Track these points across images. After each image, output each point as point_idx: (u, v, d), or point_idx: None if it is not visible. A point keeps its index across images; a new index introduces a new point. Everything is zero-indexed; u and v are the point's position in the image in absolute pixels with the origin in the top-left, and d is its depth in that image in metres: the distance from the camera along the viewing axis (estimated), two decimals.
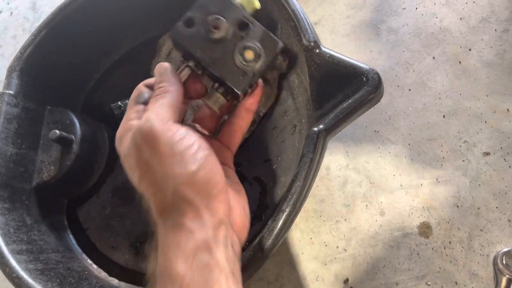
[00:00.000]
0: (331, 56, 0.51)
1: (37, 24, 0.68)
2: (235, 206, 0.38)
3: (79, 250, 0.66)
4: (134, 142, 0.33)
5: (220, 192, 0.34)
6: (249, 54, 0.41)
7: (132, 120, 0.36)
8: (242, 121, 0.44)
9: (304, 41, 0.52)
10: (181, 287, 0.29)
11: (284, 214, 0.46)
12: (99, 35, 0.72)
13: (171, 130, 0.33)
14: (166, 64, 0.39)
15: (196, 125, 0.43)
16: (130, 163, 0.34)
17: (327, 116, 0.49)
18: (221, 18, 0.41)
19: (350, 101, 0.48)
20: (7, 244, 0.56)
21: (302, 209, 0.58)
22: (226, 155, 0.43)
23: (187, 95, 0.40)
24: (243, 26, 0.42)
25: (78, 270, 0.61)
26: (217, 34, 0.41)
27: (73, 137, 0.65)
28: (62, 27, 0.68)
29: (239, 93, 0.40)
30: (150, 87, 0.40)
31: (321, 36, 0.65)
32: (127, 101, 0.66)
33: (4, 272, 0.54)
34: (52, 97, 0.70)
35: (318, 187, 0.59)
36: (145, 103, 0.38)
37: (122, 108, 0.66)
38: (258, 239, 0.46)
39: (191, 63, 0.41)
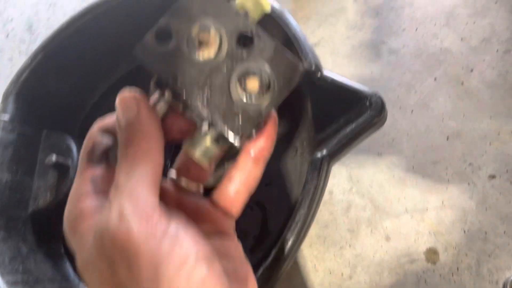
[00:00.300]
0: (333, 80, 0.50)
1: (34, 46, 0.68)
2: None
3: (77, 280, 0.64)
4: (100, 251, 0.22)
5: None
6: (253, 84, 0.27)
7: (88, 200, 0.25)
8: (248, 176, 0.30)
9: (306, 65, 0.52)
10: None
11: (289, 244, 0.44)
12: (96, 58, 0.71)
13: (155, 234, 0.21)
14: (133, 95, 0.26)
15: (182, 179, 0.29)
16: (92, 277, 0.23)
17: (331, 141, 0.48)
18: (211, 27, 0.27)
19: (353, 125, 0.47)
20: (2, 275, 0.54)
21: (306, 237, 0.57)
22: (226, 225, 0.29)
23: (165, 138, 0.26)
24: (244, 40, 0.27)
25: None
26: (205, 53, 0.27)
27: (70, 162, 0.64)
28: (58, 51, 0.67)
29: (236, 145, 0.27)
30: (110, 132, 0.28)
31: (321, 57, 0.64)
32: None
33: None
34: (49, 121, 0.68)
35: (321, 212, 0.58)
36: (104, 160, 0.27)
37: None
38: (261, 270, 0.45)
39: (166, 95, 0.28)
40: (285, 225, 0.48)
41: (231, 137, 0.26)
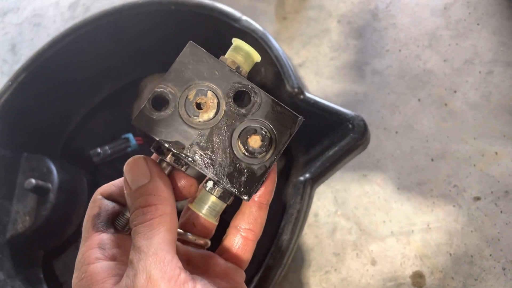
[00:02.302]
0: (316, 102, 0.50)
1: (17, 66, 0.67)
2: None
3: None
4: None
5: None
6: (255, 141, 0.27)
7: (99, 265, 0.24)
8: (255, 222, 0.29)
9: (288, 87, 0.51)
10: None
11: (272, 272, 0.43)
12: (79, 79, 0.70)
13: None
14: (143, 159, 0.26)
15: (189, 236, 0.28)
16: None
17: (313, 164, 0.47)
18: (207, 89, 0.27)
19: (336, 148, 0.47)
20: None
21: (289, 262, 0.56)
22: (238, 277, 0.28)
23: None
24: (239, 96, 0.28)
25: None
26: (204, 116, 0.27)
27: (50, 185, 0.62)
28: (40, 73, 0.66)
29: (245, 199, 0.27)
30: (113, 198, 0.28)
31: (305, 78, 0.64)
32: (106, 147, 0.64)
33: None
34: (30, 143, 0.67)
35: (307, 235, 0.57)
36: (110, 225, 0.27)
37: (101, 155, 0.64)
38: None
39: (168, 159, 0.27)
40: (269, 251, 0.47)
41: (242, 196, 0.27)
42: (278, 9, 0.74)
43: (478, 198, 0.53)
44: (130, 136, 0.65)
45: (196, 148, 0.27)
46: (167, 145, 0.27)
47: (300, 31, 0.71)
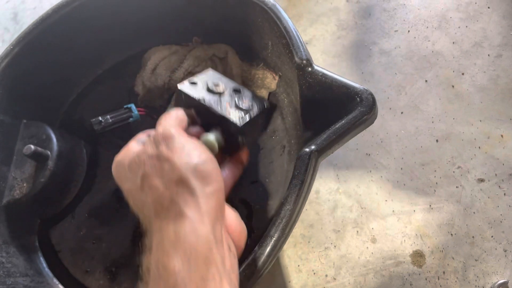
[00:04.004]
0: (324, 75, 0.49)
1: (16, 36, 0.65)
2: (230, 212, 0.40)
3: (50, 274, 0.61)
4: (154, 141, 0.37)
5: (216, 191, 0.36)
6: (245, 102, 0.48)
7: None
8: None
9: (296, 59, 0.50)
10: (176, 284, 0.30)
11: (272, 240, 0.43)
12: (82, 48, 0.69)
13: (183, 134, 0.38)
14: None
15: None
16: (140, 160, 0.37)
17: (319, 137, 0.47)
18: (219, 82, 0.49)
19: (343, 121, 0.46)
20: None
21: (291, 233, 0.56)
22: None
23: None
24: (237, 91, 0.50)
25: None
26: (218, 88, 0.48)
27: (49, 153, 0.61)
28: (43, 39, 0.65)
29: (239, 125, 0.44)
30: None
31: (312, 56, 0.63)
32: (108, 116, 0.63)
33: None
34: (29, 111, 0.66)
35: (307, 211, 0.56)
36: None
37: (102, 123, 0.63)
38: (243, 266, 0.43)
39: (192, 111, 0.47)
40: (271, 221, 0.47)
41: (236, 122, 0.45)
42: None
43: (481, 180, 0.53)
44: (132, 106, 0.64)
45: (212, 99, 0.47)
46: (194, 97, 0.47)
47: (308, 9, 0.70)
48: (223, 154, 0.47)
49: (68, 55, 0.68)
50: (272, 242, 0.43)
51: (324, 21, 0.67)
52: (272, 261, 0.44)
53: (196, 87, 0.49)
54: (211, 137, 0.45)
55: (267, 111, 0.50)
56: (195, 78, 0.50)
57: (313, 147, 0.46)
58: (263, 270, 0.43)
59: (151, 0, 0.66)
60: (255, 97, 0.50)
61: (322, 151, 0.46)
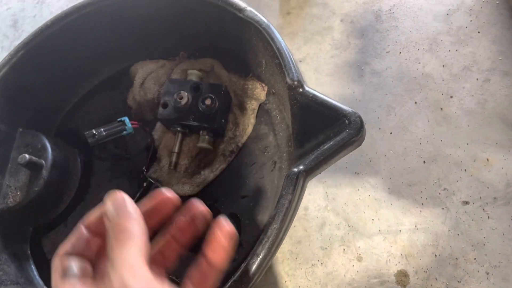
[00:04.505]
0: (314, 96, 0.50)
1: (17, 42, 0.66)
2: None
3: (41, 282, 0.62)
4: None
5: None
6: (208, 101, 0.60)
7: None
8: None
9: (288, 80, 0.52)
10: None
11: (259, 258, 0.44)
12: (79, 60, 0.70)
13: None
14: (121, 195, 0.32)
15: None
16: None
17: (308, 157, 0.48)
18: (181, 91, 0.61)
19: (331, 143, 0.47)
20: None
21: (278, 250, 0.57)
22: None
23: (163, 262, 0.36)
24: (196, 88, 0.62)
25: None
26: (183, 101, 0.60)
27: (43, 162, 0.62)
28: (41, 49, 0.66)
29: (215, 126, 0.60)
30: (94, 231, 0.33)
31: (305, 74, 0.65)
32: (101, 129, 0.64)
33: None
34: (25, 119, 0.67)
35: (296, 228, 0.57)
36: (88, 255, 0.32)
37: (96, 136, 0.64)
38: (230, 283, 0.44)
39: (178, 128, 0.62)
40: (258, 239, 0.48)
41: (209, 125, 0.60)
42: (282, 4, 0.74)
43: (466, 203, 0.54)
44: (126, 119, 0.65)
45: (185, 115, 0.61)
46: (172, 119, 0.61)
47: (303, 27, 0.71)
48: (215, 140, 0.63)
49: (65, 65, 0.69)
50: (258, 260, 0.44)
51: (318, 40, 0.68)
52: (258, 278, 0.45)
53: (168, 110, 0.61)
54: (204, 143, 0.62)
55: (226, 93, 0.62)
56: (163, 99, 0.62)
57: (301, 167, 0.47)
58: (250, 286, 0.44)
59: (150, 16, 0.67)
60: (213, 86, 0.62)
61: (310, 171, 0.47)
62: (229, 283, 0.44)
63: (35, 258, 0.64)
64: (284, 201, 0.46)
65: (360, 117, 0.47)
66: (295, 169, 0.47)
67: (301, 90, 0.51)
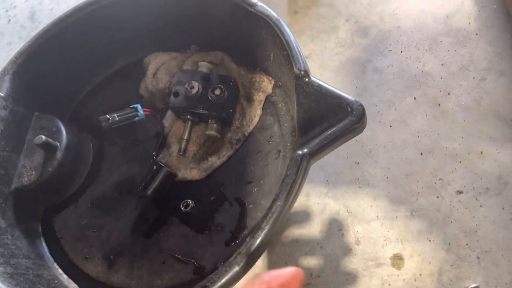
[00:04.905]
0: (319, 85, 0.53)
1: (34, 33, 0.70)
2: None
3: (51, 259, 0.64)
4: None
5: None
6: (217, 91, 0.63)
7: None
8: None
9: (295, 69, 0.55)
10: None
11: (263, 232, 0.47)
12: (95, 49, 0.74)
13: None
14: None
15: None
16: None
17: (312, 141, 0.51)
18: (192, 81, 0.64)
19: (334, 129, 0.50)
20: None
21: (282, 229, 0.60)
22: None
23: None
24: (206, 79, 0.65)
25: (48, 279, 0.60)
26: (193, 90, 0.64)
27: (58, 144, 0.65)
28: (60, 37, 0.69)
29: (223, 115, 0.64)
30: None
31: (311, 69, 0.67)
32: (115, 115, 0.67)
33: None
34: (42, 104, 0.70)
35: (297, 213, 0.60)
36: None
37: (109, 121, 0.67)
38: (235, 255, 0.46)
39: (188, 116, 0.66)
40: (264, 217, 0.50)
41: (217, 114, 0.64)
42: (290, 3, 0.78)
43: (460, 192, 0.57)
44: (138, 106, 0.68)
45: (195, 103, 0.64)
46: (182, 107, 0.65)
47: (309, 26, 0.74)
48: (223, 128, 0.67)
49: (82, 54, 0.73)
50: (262, 234, 0.47)
51: (323, 38, 0.72)
52: (262, 251, 0.48)
53: (179, 98, 0.65)
54: (212, 131, 0.65)
55: (234, 85, 0.65)
56: (174, 88, 0.65)
57: (305, 150, 0.50)
58: (254, 259, 0.47)
59: (165, 9, 0.71)
60: (222, 77, 0.65)
61: (313, 154, 0.50)
62: (234, 256, 0.47)
63: (45, 235, 0.67)
64: (288, 181, 0.49)
65: (362, 106, 0.50)
66: (300, 152, 0.50)
67: (307, 79, 0.54)
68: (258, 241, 0.46)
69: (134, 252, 0.63)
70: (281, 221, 0.49)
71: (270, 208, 0.48)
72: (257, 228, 0.47)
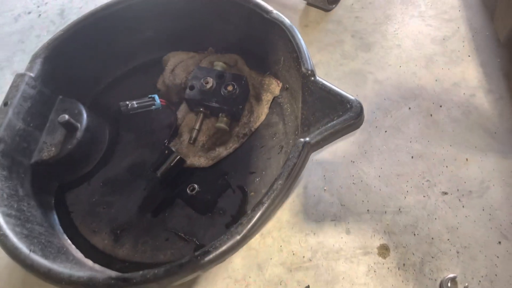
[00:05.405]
0: (323, 84, 0.59)
1: (62, 28, 0.76)
2: None
3: (61, 230, 0.69)
4: None
5: None
6: (230, 88, 0.70)
7: None
8: None
9: (303, 69, 0.61)
10: None
11: (264, 206, 0.51)
12: (120, 44, 0.80)
13: None
14: None
15: None
16: None
17: (314, 132, 0.56)
18: (208, 77, 0.71)
19: (334, 122, 0.56)
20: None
21: (277, 219, 0.64)
22: None
23: None
24: (221, 76, 0.72)
25: (58, 246, 0.64)
26: (208, 85, 0.70)
27: (78, 125, 0.71)
28: (90, 29, 0.76)
29: (233, 110, 0.70)
30: None
31: None
32: (134, 102, 0.73)
33: None
34: (66, 89, 0.76)
35: (294, 202, 0.65)
36: None
37: (129, 106, 0.73)
38: (236, 225, 0.51)
39: (201, 108, 0.72)
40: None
41: (227, 107, 0.70)
42: (302, 18, 0.85)
43: (445, 193, 0.62)
44: (155, 96, 0.74)
45: (208, 97, 0.70)
46: (197, 99, 0.71)
47: (318, 38, 0.81)
48: (232, 123, 0.72)
49: (107, 47, 0.79)
50: (263, 208, 0.51)
51: (330, 50, 0.78)
52: (261, 224, 0.52)
53: (194, 91, 0.71)
54: (222, 124, 0.70)
55: (245, 84, 0.72)
56: (191, 82, 0.72)
57: (307, 139, 0.56)
58: (254, 230, 0.51)
59: (186, 12, 0.78)
60: (235, 76, 0.71)
61: (313, 144, 0.56)
62: (236, 225, 0.51)
63: (57, 209, 0.71)
64: (290, 163, 0.54)
65: (360, 103, 0.56)
66: (302, 139, 0.56)
67: (313, 78, 0.60)
68: (259, 214, 0.51)
69: (140, 228, 0.67)
70: (281, 199, 0.53)
71: (271, 186, 0.53)
72: (259, 203, 0.52)
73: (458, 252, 0.57)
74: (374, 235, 0.60)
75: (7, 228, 0.57)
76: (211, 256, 0.50)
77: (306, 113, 0.61)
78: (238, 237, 0.51)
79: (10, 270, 0.69)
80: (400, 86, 0.72)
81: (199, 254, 0.50)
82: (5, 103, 0.67)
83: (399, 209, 0.62)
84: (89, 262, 0.64)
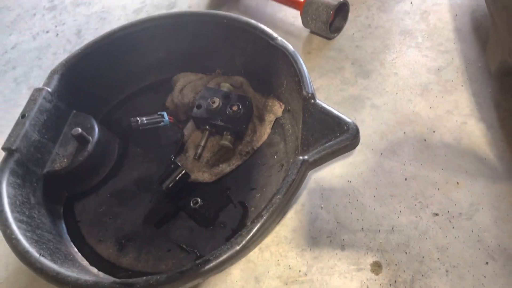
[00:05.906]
0: (323, 107, 0.63)
1: (78, 47, 0.81)
2: None
3: (68, 238, 0.72)
4: None
5: None
6: (235, 108, 0.74)
7: None
8: None
9: (304, 92, 0.65)
10: None
11: (263, 219, 0.55)
12: (132, 63, 0.85)
13: None
14: None
15: None
16: None
17: (312, 151, 0.60)
18: (214, 97, 0.76)
19: (332, 142, 0.60)
20: (12, 211, 0.63)
21: (275, 234, 0.67)
22: None
23: None
24: (227, 96, 0.76)
25: (65, 253, 0.67)
26: (214, 105, 0.75)
27: (90, 138, 0.75)
28: (106, 49, 0.81)
29: (237, 128, 0.74)
30: None
31: None
32: (144, 118, 0.77)
33: (5, 233, 0.60)
34: (80, 104, 0.80)
35: (292, 218, 0.68)
36: None
37: (138, 122, 0.77)
38: (236, 236, 0.54)
39: (207, 126, 0.76)
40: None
41: (232, 126, 0.74)
42: (305, 45, 0.90)
43: (436, 214, 0.65)
44: (164, 113, 0.78)
45: (214, 116, 0.75)
46: (203, 117, 0.76)
47: (319, 64, 0.86)
48: (235, 141, 0.76)
49: (120, 66, 0.84)
50: (262, 220, 0.55)
51: (331, 76, 0.83)
52: (260, 236, 0.55)
53: (201, 110, 0.75)
54: (226, 142, 0.74)
55: (250, 105, 0.76)
56: (198, 101, 0.76)
57: (306, 157, 0.59)
58: (253, 241, 0.54)
59: (196, 37, 0.83)
60: (240, 97, 0.76)
61: (312, 162, 0.59)
62: (236, 237, 0.54)
63: (66, 218, 0.75)
64: (289, 179, 0.58)
65: (356, 126, 0.60)
66: (301, 157, 0.59)
67: (313, 101, 0.64)
68: (258, 225, 0.55)
69: (143, 239, 0.70)
70: (279, 213, 0.57)
71: (270, 200, 0.56)
72: (258, 215, 0.55)
73: (447, 271, 0.60)
74: (368, 252, 0.63)
75: (19, 233, 0.60)
76: (211, 264, 0.53)
77: (306, 133, 0.64)
78: (238, 248, 0.54)
79: (17, 275, 0.72)
80: (396, 112, 0.76)
81: (200, 262, 0.53)
82: (23, 115, 0.71)
83: (392, 228, 0.65)
84: (94, 270, 0.67)
